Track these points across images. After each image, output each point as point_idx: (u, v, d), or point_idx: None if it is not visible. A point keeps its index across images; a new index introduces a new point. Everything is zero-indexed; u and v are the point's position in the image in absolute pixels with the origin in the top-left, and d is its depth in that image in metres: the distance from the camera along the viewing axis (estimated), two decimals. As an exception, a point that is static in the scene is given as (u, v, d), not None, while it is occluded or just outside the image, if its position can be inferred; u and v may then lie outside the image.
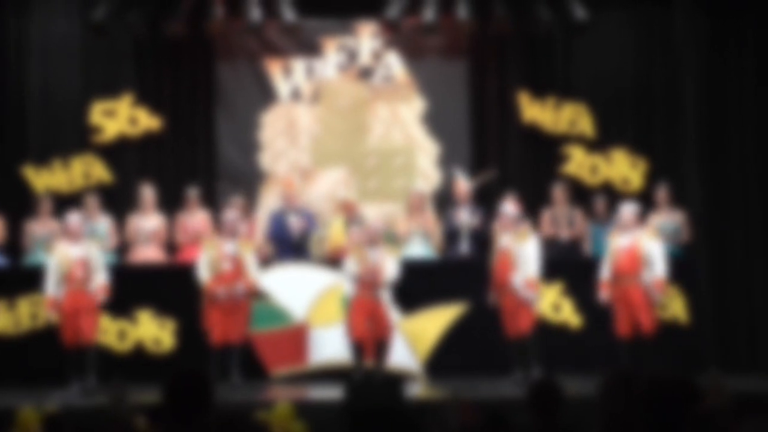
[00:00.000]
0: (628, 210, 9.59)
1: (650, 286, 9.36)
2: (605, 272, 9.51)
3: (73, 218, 9.71)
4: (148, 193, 10.96)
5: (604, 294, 9.51)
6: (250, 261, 9.67)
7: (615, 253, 9.46)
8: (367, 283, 9.36)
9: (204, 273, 9.51)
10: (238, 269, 9.54)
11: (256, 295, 9.83)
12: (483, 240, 10.56)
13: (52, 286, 9.41)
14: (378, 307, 9.39)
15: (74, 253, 9.47)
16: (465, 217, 10.74)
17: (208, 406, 3.83)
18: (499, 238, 9.64)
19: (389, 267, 9.47)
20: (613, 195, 11.35)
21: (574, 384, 7.53)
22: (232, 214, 9.91)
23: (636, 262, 9.38)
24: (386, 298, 9.48)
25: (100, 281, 9.50)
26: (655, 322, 9.43)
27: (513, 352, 9.51)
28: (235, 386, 9.30)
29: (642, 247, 9.41)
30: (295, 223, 10.72)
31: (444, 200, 11.57)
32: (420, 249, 10.78)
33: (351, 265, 9.47)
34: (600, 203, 11.09)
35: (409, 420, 5.56)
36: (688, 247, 10.80)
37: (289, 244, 10.69)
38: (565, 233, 10.96)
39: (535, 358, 9.35)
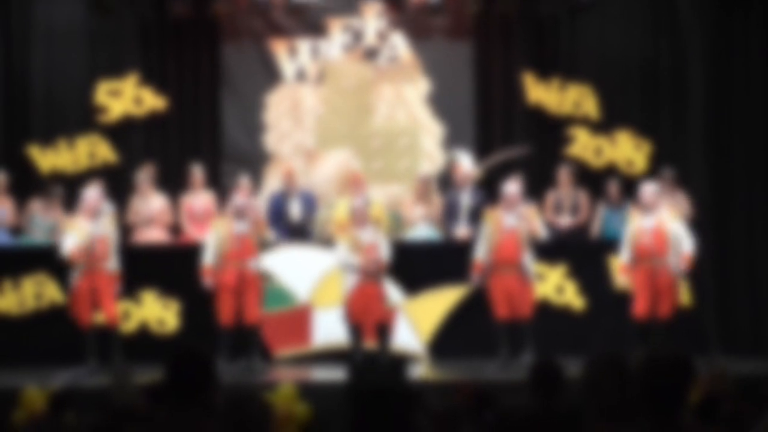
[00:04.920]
0: (649, 190, 9.45)
1: (677, 261, 9.27)
2: (625, 255, 9.41)
3: (92, 193, 9.68)
4: (144, 176, 10.93)
5: (624, 278, 9.45)
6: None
7: (638, 233, 9.33)
8: (369, 266, 9.31)
9: (209, 256, 9.47)
10: (247, 249, 9.52)
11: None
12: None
13: (69, 244, 9.38)
14: (377, 291, 9.36)
15: (94, 231, 9.45)
16: (465, 199, 10.71)
17: (212, 385, 3.83)
18: (501, 218, 9.52)
19: (384, 248, 9.44)
20: (617, 177, 11.34)
21: (576, 366, 7.54)
22: (240, 198, 9.90)
23: (663, 242, 9.28)
24: (384, 280, 9.44)
25: (115, 266, 9.53)
26: (675, 308, 9.40)
27: (502, 333, 9.43)
28: (255, 369, 9.35)
29: (667, 227, 9.32)
30: (295, 212, 10.75)
31: (448, 182, 11.55)
32: (426, 232, 10.77)
33: (342, 251, 9.41)
34: (613, 187, 11.03)
35: (410, 402, 5.58)
36: (689, 228, 10.77)
37: (287, 227, 10.72)
38: (567, 221, 10.85)
39: (531, 341, 9.34)
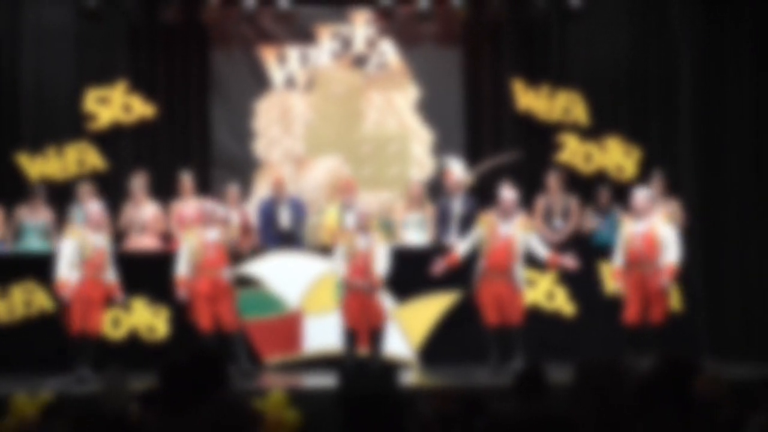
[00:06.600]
0: (641, 195, 9.41)
1: (661, 270, 9.25)
2: (618, 260, 9.39)
3: (95, 207, 9.67)
4: (138, 183, 10.92)
5: (618, 283, 9.42)
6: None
7: (629, 239, 9.31)
8: (357, 271, 9.31)
9: (182, 267, 9.45)
10: (220, 257, 9.50)
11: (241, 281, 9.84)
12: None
13: (65, 270, 9.31)
14: (369, 297, 9.33)
15: (94, 242, 9.42)
16: (457, 206, 10.71)
17: (225, 386, 3.78)
18: (497, 224, 9.43)
19: (380, 259, 9.35)
20: (607, 183, 11.37)
21: (566, 372, 7.53)
22: (208, 204, 9.88)
23: (654, 247, 9.24)
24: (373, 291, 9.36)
25: (113, 277, 9.51)
26: (666, 313, 9.39)
27: (491, 339, 9.41)
28: (246, 372, 9.33)
29: (658, 232, 9.30)
30: (284, 219, 10.75)
31: (438, 188, 11.56)
32: (416, 236, 10.77)
33: (339, 252, 9.40)
34: (603, 194, 11.05)
35: (400, 408, 5.59)
36: (682, 235, 10.80)
37: (277, 234, 10.71)
38: (557, 235, 10.82)
39: (521, 347, 9.32)
